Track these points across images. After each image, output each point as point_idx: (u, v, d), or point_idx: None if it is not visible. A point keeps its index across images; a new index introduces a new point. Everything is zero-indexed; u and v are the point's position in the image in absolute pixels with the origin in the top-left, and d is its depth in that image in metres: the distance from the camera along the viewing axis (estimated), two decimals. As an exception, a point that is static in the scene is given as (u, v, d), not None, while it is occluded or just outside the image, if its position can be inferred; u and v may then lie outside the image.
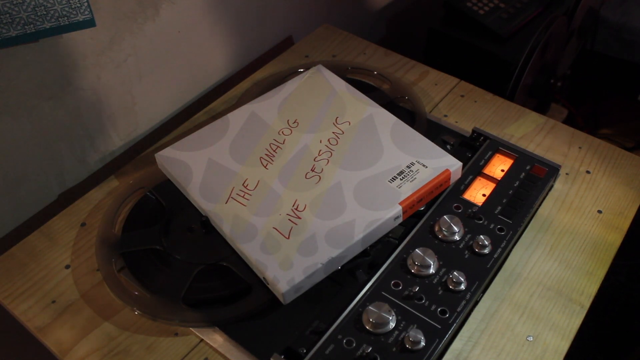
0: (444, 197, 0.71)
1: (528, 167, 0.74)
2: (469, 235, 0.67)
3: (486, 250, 0.65)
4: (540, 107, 1.27)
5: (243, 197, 0.68)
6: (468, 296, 0.62)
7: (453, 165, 0.70)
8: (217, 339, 0.61)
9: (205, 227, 0.68)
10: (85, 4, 0.65)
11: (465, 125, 0.83)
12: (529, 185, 0.72)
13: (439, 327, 0.59)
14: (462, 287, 0.62)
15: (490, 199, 0.71)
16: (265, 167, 0.72)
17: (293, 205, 0.67)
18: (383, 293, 0.62)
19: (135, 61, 0.80)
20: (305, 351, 0.57)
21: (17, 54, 0.66)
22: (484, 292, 0.64)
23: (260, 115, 0.78)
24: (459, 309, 0.60)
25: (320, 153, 0.73)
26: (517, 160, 0.75)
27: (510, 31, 1.06)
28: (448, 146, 0.79)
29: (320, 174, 0.70)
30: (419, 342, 0.57)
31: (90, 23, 0.67)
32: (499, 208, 0.70)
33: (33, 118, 0.71)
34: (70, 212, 0.73)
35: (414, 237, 0.67)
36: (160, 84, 0.85)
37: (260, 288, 0.63)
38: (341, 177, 0.70)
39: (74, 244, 0.69)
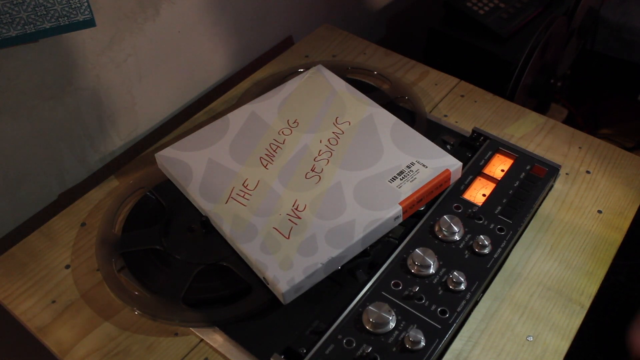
0: (444, 197, 0.71)
1: (528, 167, 0.74)
2: (469, 235, 0.67)
3: (486, 250, 0.65)
4: (540, 107, 1.27)
5: (243, 197, 0.68)
6: (468, 296, 0.62)
7: (453, 165, 0.70)
8: (217, 339, 0.61)
9: (205, 227, 0.68)
10: (85, 4, 0.65)
11: (465, 125, 0.83)
12: (529, 185, 0.72)
13: (439, 327, 0.59)
14: (462, 287, 0.62)
15: (490, 199, 0.71)
16: (265, 167, 0.72)
17: (293, 205, 0.67)
18: (383, 293, 0.62)
19: (135, 61, 0.80)
20: (305, 351, 0.57)
21: (17, 54, 0.66)
22: (484, 292, 0.64)
23: (260, 115, 0.78)
24: (459, 309, 0.60)
25: (320, 153, 0.73)
26: (517, 160, 0.75)
27: (510, 31, 1.06)
28: (448, 146, 0.79)
29: (320, 174, 0.70)
30: (419, 342, 0.57)
31: (90, 23, 0.67)
32: (499, 208, 0.70)
33: (33, 118, 0.71)
34: (70, 212, 0.73)
35: (414, 237, 0.67)
36: (160, 84, 0.85)
37: (260, 288, 0.63)
38: (341, 177, 0.70)
39: (74, 244, 0.69)
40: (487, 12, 1.08)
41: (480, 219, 0.69)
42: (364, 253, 0.66)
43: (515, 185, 0.72)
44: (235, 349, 0.60)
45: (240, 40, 0.96)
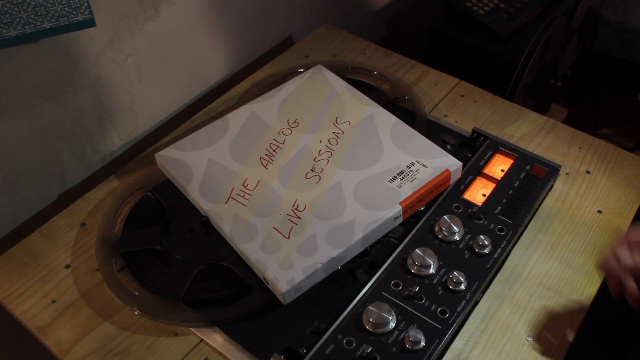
0: (444, 197, 0.71)
1: (528, 167, 0.74)
2: (469, 235, 0.67)
3: (486, 250, 0.65)
4: (540, 107, 1.27)
5: (243, 197, 0.68)
6: (468, 296, 0.62)
7: (453, 165, 0.70)
8: (217, 339, 0.61)
9: (205, 227, 0.68)
10: (85, 4, 0.65)
11: (465, 125, 0.83)
12: (529, 185, 0.72)
13: (439, 327, 0.59)
14: (462, 287, 0.62)
15: (490, 199, 0.71)
16: (265, 167, 0.72)
17: (293, 205, 0.67)
18: (383, 293, 0.62)
19: (135, 61, 0.80)
20: (305, 351, 0.57)
21: (17, 54, 0.66)
22: (484, 292, 0.64)
23: (260, 115, 0.78)
24: (459, 309, 0.60)
25: (320, 153, 0.73)
26: (517, 160, 0.75)
27: (510, 31, 1.06)
28: (448, 146, 0.79)
29: (320, 174, 0.70)
30: (419, 342, 0.57)
31: (90, 23, 0.67)
32: (499, 208, 0.70)
33: (33, 118, 0.71)
34: (70, 212, 0.73)
35: (414, 237, 0.67)
36: (160, 84, 0.85)
37: (260, 288, 0.63)
38: (341, 177, 0.70)
39: (74, 244, 0.69)
40: (487, 12, 1.08)
41: (480, 219, 0.69)
42: (364, 253, 0.66)
43: (515, 185, 0.72)
44: (235, 349, 0.60)
45: (240, 40, 0.96)
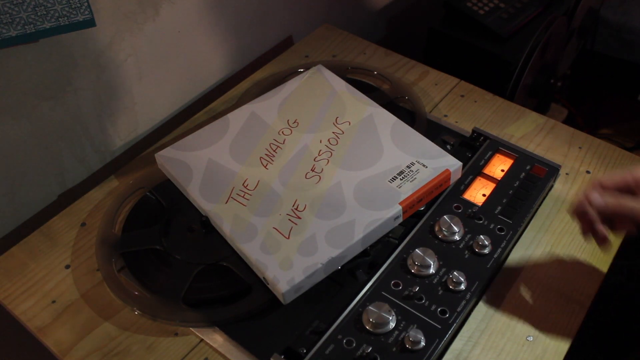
0: (444, 197, 0.71)
1: (528, 167, 0.74)
2: (469, 235, 0.67)
3: (486, 250, 0.65)
4: (540, 107, 1.27)
5: (243, 197, 0.68)
6: (468, 296, 0.62)
7: (453, 165, 0.70)
8: (217, 339, 0.61)
9: (205, 227, 0.68)
10: (85, 4, 0.65)
11: (465, 125, 0.83)
12: (529, 185, 0.72)
13: (439, 327, 0.59)
14: (462, 287, 0.62)
15: (490, 199, 0.71)
16: (265, 167, 0.72)
17: (293, 205, 0.67)
18: (383, 293, 0.62)
19: (135, 61, 0.80)
20: (305, 351, 0.57)
21: (17, 54, 0.66)
22: (484, 292, 0.64)
23: (260, 115, 0.78)
24: (459, 309, 0.60)
25: (320, 153, 0.73)
26: (517, 160, 0.75)
27: (510, 31, 1.06)
28: (448, 146, 0.79)
29: (320, 174, 0.70)
30: (419, 342, 0.57)
31: (90, 23, 0.67)
32: (499, 208, 0.70)
33: (33, 118, 0.71)
34: (70, 212, 0.73)
35: (414, 237, 0.67)
36: (160, 84, 0.85)
37: (260, 288, 0.63)
38: (341, 177, 0.70)
39: (74, 244, 0.69)
40: (487, 12, 1.08)
41: (480, 219, 0.69)
42: (364, 253, 0.66)
43: (515, 185, 0.72)
44: (235, 349, 0.60)
45: (240, 40, 0.96)
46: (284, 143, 0.75)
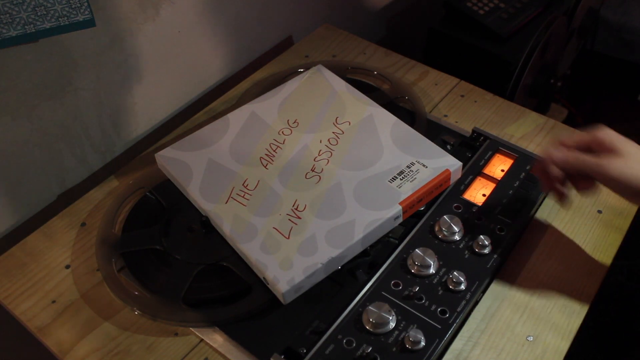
0: (444, 197, 0.71)
1: (528, 167, 0.74)
2: (469, 235, 0.67)
3: (486, 250, 0.65)
4: (540, 107, 1.27)
5: (243, 197, 0.68)
6: (468, 296, 0.62)
7: (453, 165, 0.70)
8: (217, 339, 0.61)
9: (205, 227, 0.68)
10: (85, 4, 0.65)
11: (465, 125, 0.83)
12: (529, 185, 0.72)
13: (439, 327, 0.59)
14: (462, 287, 0.62)
15: (490, 199, 0.71)
16: (265, 167, 0.72)
17: (293, 205, 0.67)
18: (383, 293, 0.62)
19: (135, 61, 0.80)
20: (305, 351, 0.57)
21: (17, 54, 0.66)
22: (484, 292, 0.64)
23: (260, 115, 0.78)
24: (459, 309, 0.60)
25: (320, 153, 0.73)
26: (517, 160, 0.75)
27: (510, 31, 1.06)
28: (448, 146, 0.79)
29: (320, 174, 0.70)
30: (419, 342, 0.57)
31: (90, 23, 0.67)
32: (499, 208, 0.70)
33: (33, 118, 0.71)
34: (70, 212, 0.73)
35: (414, 237, 0.67)
36: (160, 84, 0.85)
37: (260, 288, 0.63)
38: (341, 177, 0.70)
39: (74, 244, 0.69)
40: (487, 12, 1.08)
41: (480, 219, 0.69)
42: (364, 253, 0.66)
43: (515, 185, 0.72)
44: (235, 349, 0.60)
45: (240, 40, 0.96)
46: (284, 143, 0.75)
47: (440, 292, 0.62)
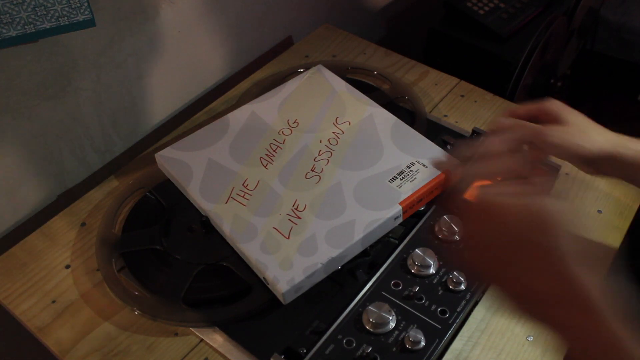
0: (444, 197, 0.71)
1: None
2: (469, 235, 0.67)
3: (486, 250, 0.65)
4: (540, 107, 1.27)
5: (243, 197, 0.68)
6: (468, 296, 0.62)
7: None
8: (217, 339, 0.61)
9: (205, 227, 0.68)
10: (85, 4, 0.65)
11: (465, 125, 0.83)
12: (529, 185, 0.72)
13: (439, 327, 0.59)
14: (462, 287, 0.62)
15: (490, 199, 0.71)
16: (265, 167, 0.72)
17: (293, 205, 0.67)
18: (383, 293, 0.62)
19: (135, 61, 0.80)
20: (305, 351, 0.57)
21: (17, 54, 0.66)
22: (484, 292, 0.64)
23: (260, 115, 0.78)
24: (459, 309, 0.60)
25: (320, 153, 0.73)
26: (517, 160, 0.75)
27: (510, 31, 1.06)
28: (448, 146, 0.79)
29: (320, 174, 0.70)
30: (419, 342, 0.57)
31: (90, 23, 0.67)
32: (499, 208, 0.70)
33: (33, 118, 0.71)
34: (70, 212, 0.73)
35: (414, 237, 0.67)
36: (160, 84, 0.85)
37: (260, 288, 0.63)
38: (341, 177, 0.70)
39: (74, 244, 0.69)
40: (487, 12, 1.08)
41: (480, 219, 0.68)
42: (364, 253, 0.66)
43: (515, 185, 0.72)
44: (235, 349, 0.60)
45: (240, 40, 0.96)
46: (284, 143, 0.75)
47: (440, 292, 0.62)
